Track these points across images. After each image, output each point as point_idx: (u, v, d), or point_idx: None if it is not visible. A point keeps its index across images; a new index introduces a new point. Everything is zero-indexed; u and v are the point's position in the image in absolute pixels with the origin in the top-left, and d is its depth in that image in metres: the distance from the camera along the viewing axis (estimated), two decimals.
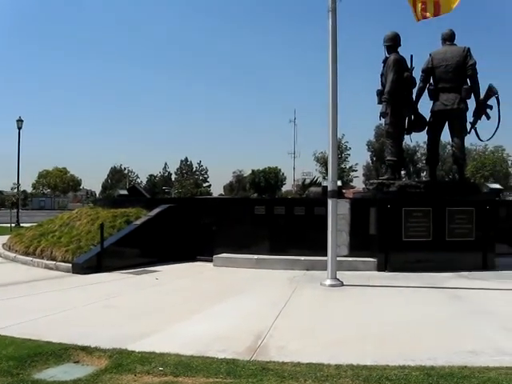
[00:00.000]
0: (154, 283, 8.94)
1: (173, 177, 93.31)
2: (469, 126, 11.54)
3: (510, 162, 60.58)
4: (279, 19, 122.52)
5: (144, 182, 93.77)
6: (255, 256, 10.78)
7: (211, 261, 11.04)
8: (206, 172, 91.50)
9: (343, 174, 49.88)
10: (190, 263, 11.34)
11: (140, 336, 5.24)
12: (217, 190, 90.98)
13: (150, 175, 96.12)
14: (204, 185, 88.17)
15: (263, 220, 11.39)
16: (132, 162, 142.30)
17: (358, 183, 56.46)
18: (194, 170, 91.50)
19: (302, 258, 10.53)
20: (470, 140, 59.26)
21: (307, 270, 10.26)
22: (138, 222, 11.65)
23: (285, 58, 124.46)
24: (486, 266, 10.56)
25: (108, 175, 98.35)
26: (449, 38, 11.64)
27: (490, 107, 11.28)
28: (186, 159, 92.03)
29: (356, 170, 58.38)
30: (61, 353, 4.66)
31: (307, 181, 41.82)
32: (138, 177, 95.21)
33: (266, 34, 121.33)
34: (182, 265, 11.14)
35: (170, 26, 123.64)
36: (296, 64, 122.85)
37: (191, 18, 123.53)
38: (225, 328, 5.67)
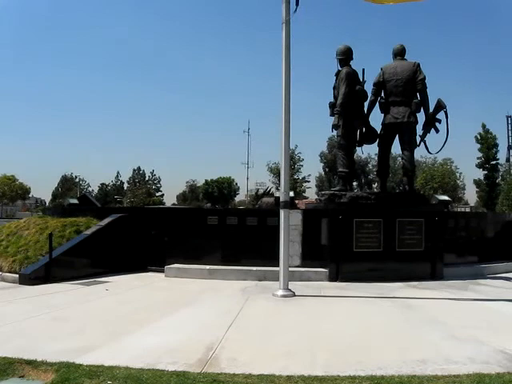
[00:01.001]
0: (104, 294, 8.78)
1: (125, 186, 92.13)
2: (418, 139, 11.81)
3: (458, 174, 62.09)
4: (234, 27, 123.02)
5: (96, 191, 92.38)
6: (207, 266, 10.74)
7: (163, 271, 10.93)
8: (158, 181, 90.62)
9: (296, 184, 50.26)
10: (142, 274, 11.19)
11: (88, 349, 5.13)
12: (170, 200, 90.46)
13: (102, 184, 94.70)
14: (157, 194, 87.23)
15: (216, 230, 11.36)
16: (84, 170, 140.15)
17: (311, 194, 57.11)
18: (147, 179, 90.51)
19: (255, 268, 10.54)
20: (420, 152, 60.76)
21: (259, 280, 10.27)
22: (88, 231, 11.44)
23: (240, 67, 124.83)
24: (434, 275, 10.80)
25: (58, 184, 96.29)
26: (399, 53, 11.93)
27: (439, 121, 11.58)
28: (139, 168, 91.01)
29: (309, 181, 59.07)
30: (5, 367, 4.51)
31: (260, 191, 41.97)
32: (89, 185, 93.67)
33: (221, 42, 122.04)
34: (134, 275, 10.97)
35: (119, 30, 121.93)
36: (251, 74, 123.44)
37: (141, 22, 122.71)
38: (176, 340, 5.61)
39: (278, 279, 8.76)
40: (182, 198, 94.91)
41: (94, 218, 12.30)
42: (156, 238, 11.65)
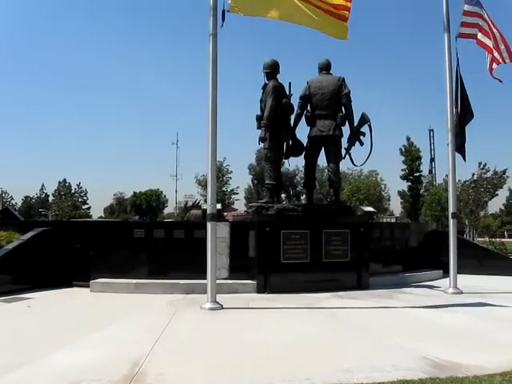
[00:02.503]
0: (26, 311, 8.45)
1: (50, 198, 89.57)
2: (344, 152, 12.04)
3: (383, 186, 63.81)
4: (160, 39, 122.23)
5: (19, 204, 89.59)
6: (134, 281, 10.54)
7: (88, 286, 10.67)
8: (85, 194, 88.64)
9: (225, 197, 50.29)
10: (67, 289, 10.85)
11: (8, 369, 4.89)
12: (97, 213, 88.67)
13: (26, 197, 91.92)
14: (83, 207, 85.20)
15: (142, 244, 11.17)
16: (6, 183, 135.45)
17: (240, 206, 57.22)
18: (73, 191, 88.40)
19: (182, 281, 10.42)
20: (347, 164, 61.87)
21: (187, 293, 10.16)
22: (10, 246, 11.03)
23: (169, 80, 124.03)
24: (360, 285, 11.00)
25: None
26: (325, 68, 12.16)
27: (363, 134, 11.86)
28: (65, 180, 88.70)
29: (237, 193, 59.20)
30: None
31: (189, 203, 41.69)
32: (12, 198, 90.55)
33: (148, 53, 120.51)
34: (58, 291, 10.64)
35: (30, 36, 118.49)
36: (180, 86, 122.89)
37: (52, 31, 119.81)
38: (101, 356, 5.45)
39: (205, 292, 8.69)
40: (110, 210, 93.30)
41: (16, 233, 11.87)
42: (81, 252, 11.34)
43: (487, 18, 11.55)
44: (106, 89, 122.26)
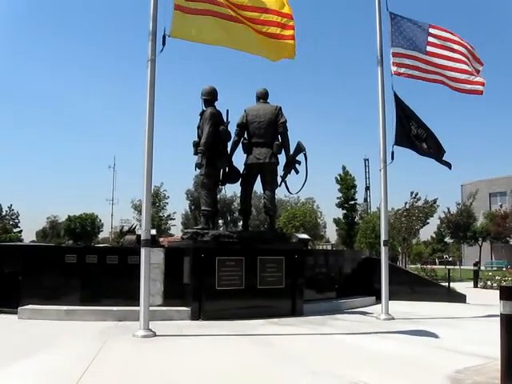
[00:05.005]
0: None
1: None
2: (280, 180, 12.19)
3: (319, 213, 64.74)
4: (97, 60, 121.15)
5: None
6: (64, 307, 10.24)
7: (17, 313, 10.31)
8: (17, 217, 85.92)
9: (161, 222, 49.75)
10: None
11: None
12: (29, 236, 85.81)
13: None
14: (14, 230, 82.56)
15: (74, 269, 10.89)
16: None
17: (177, 231, 56.78)
18: (4, 214, 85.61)
19: (115, 308, 10.23)
20: (284, 192, 62.55)
21: (120, 320, 9.96)
22: None
23: (106, 102, 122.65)
24: (295, 312, 11.09)
25: None
26: (262, 97, 12.33)
27: (299, 162, 12.05)
28: None
29: (174, 219, 58.57)
30: None
31: (125, 228, 41.06)
32: None
33: (86, 76, 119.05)
34: None
35: None
36: (117, 109, 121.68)
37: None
38: None
39: (138, 319, 8.56)
40: (42, 234, 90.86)
41: None
42: (10, 277, 10.96)
43: (420, 56, 12.03)
44: (39, 110, 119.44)
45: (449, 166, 12.29)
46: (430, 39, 12.19)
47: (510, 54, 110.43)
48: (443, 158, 12.33)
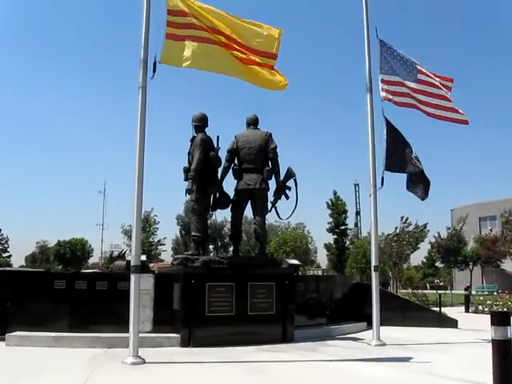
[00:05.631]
0: None
1: None
2: (270, 205, 12.21)
3: (310, 238, 64.65)
4: (90, 84, 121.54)
5: None
6: (53, 334, 10.12)
7: (4, 340, 10.19)
8: (6, 241, 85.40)
9: (151, 247, 49.53)
10: None
11: None
12: (18, 261, 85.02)
13: None
14: (3, 255, 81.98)
15: (64, 295, 10.79)
16: None
17: (167, 257, 56.48)
18: None
19: (104, 335, 10.13)
20: (274, 217, 62.43)
21: (109, 347, 9.86)
22: None
23: (96, 127, 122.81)
24: (285, 338, 11.01)
25: None
26: (253, 123, 12.41)
27: (289, 188, 12.10)
28: None
29: (164, 244, 58.33)
30: None
31: (115, 253, 40.84)
32: None
33: (78, 102, 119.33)
34: None
35: None
36: (108, 134, 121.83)
37: None
38: None
39: (128, 346, 8.50)
40: (32, 259, 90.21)
41: None
42: None
43: (409, 84, 12.22)
44: (32, 135, 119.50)
45: (422, 197, 12.43)
46: (420, 68, 12.41)
47: (495, 79, 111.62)
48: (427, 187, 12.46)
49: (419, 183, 12.31)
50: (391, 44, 12.46)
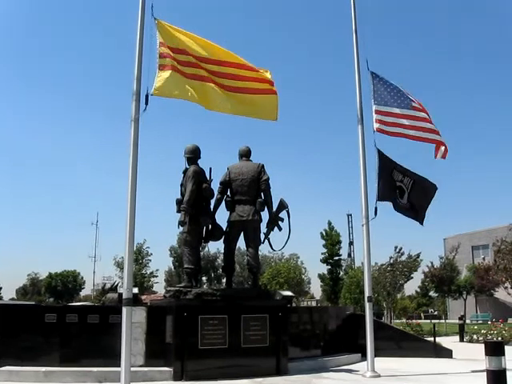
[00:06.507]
0: None
1: None
2: (263, 237, 12.21)
3: (303, 269, 64.36)
4: (82, 117, 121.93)
5: None
6: (43, 368, 9.98)
7: None
8: None
9: (144, 279, 49.28)
10: None
11: None
12: (8, 294, 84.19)
13: None
14: None
15: (54, 329, 10.66)
16: None
17: (160, 289, 56.11)
18: None
19: (95, 369, 9.99)
20: (267, 248, 62.24)
21: (100, 382, 9.73)
22: None
23: (88, 159, 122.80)
24: (279, 370, 10.93)
25: None
26: (245, 154, 12.49)
27: (282, 219, 12.12)
28: None
29: (157, 276, 58.03)
30: None
31: (107, 285, 40.57)
32: None
33: (71, 133, 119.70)
34: None
35: None
36: (101, 166, 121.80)
37: None
38: None
39: (119, 380, 8.40)
40: (23, 291, 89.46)
41: None
42: None
43: (400, 112, 12.37)
44: (22, 167, 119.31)
45: (421, 221, 12.54)
46: (412, 99, 12.61)
47: (485, 107, 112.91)
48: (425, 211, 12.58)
49: (411, 210, 12.40)
50: (383, 76, 12.64)
